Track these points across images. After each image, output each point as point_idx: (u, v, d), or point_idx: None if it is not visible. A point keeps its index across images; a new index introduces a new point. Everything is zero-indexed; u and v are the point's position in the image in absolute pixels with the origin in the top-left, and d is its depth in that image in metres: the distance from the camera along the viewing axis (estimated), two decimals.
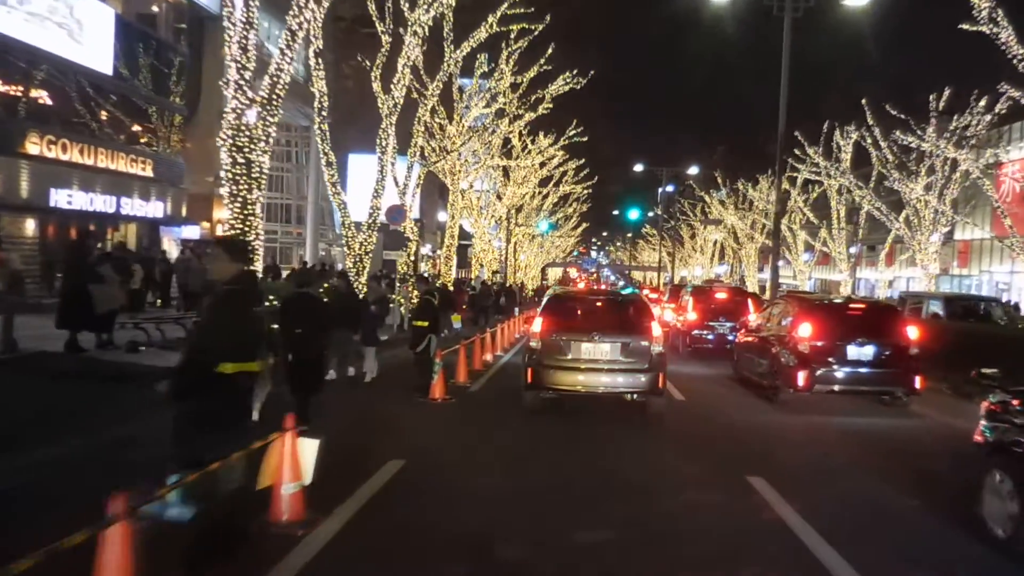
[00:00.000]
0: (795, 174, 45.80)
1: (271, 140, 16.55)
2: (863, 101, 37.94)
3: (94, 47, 23.99)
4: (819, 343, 12.91)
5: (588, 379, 10.69)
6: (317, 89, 23.02)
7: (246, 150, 15.81)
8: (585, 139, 40.15)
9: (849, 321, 13.29)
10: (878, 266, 59.05)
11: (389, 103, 23.79)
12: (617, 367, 10.62)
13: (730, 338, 20.10)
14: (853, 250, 48.78)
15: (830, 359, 12.82)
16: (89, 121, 26.35)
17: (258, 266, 16.22)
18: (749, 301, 20.81)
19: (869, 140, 38.51)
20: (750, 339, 15.49)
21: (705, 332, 20.41)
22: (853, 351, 12.88)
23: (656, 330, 11.00)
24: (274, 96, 16.09)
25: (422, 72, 28.26)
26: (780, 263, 65.18)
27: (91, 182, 24.08)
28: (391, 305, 23.33)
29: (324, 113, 23.10)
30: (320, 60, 22.92)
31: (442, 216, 40.02)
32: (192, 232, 30.48)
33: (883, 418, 12.93)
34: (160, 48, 28.81)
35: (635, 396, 10.92)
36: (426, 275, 19.08)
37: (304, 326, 9.54)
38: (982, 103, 33.78)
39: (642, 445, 10.10)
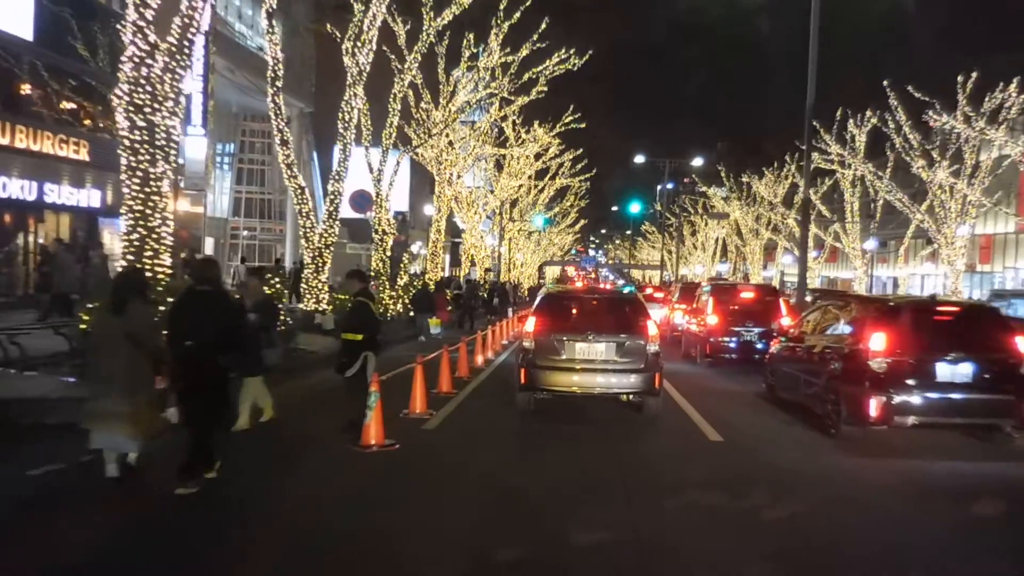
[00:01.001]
0: (813, 164, 42.08)
1: (182, 100, 12.92)
2: (885, 83, 34.47)
3: (10, 8, 20.34)
4: (899, 359, 9.29)
5: (583, 379, 10.30)
6: (271, 56, 19.45)
7: (147, 110, 12.21)
8: (583, 125, 36.51)
9: (938, 330, 9.67)
10: (890, 263, 55.48)
11: (354, 69, 20.14)
12: (612, 367, 10.28)
13: (758, 346, 16.54)
14: (868, 245, 45.12)
15: (914, 381, 9.22)
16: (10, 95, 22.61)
17: (166, 259, 12.59)
18: (780, 302, 17.16)
19: (892, 124, 34.85)
20: (792, 350, 11.86)
21: (728, 339, 16.76)
22: (944, 370, 9.27)
23: (651, 329, 10.58)
24: (185, 42, 12.47)
25: (401, 41, 24.67)
26: (787, 260, 61.85)
27: (5, 164, 20.42)
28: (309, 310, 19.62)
29: (279, 84, 19.49)
30: (273, 22, 19.36)
31: (430, 210, 36.37)
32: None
33: (991, 462, 9.30)
34: (96, 12, 24.92)
35: (631, 396, 10.62)
36: (365, 271, 15.25)
37: (198, 336, 6.92)
38: (1013, 85, 30.38)
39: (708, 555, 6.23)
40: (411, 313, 23.59)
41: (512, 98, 33.34)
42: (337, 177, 20.10)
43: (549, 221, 56.60)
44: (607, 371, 10.29)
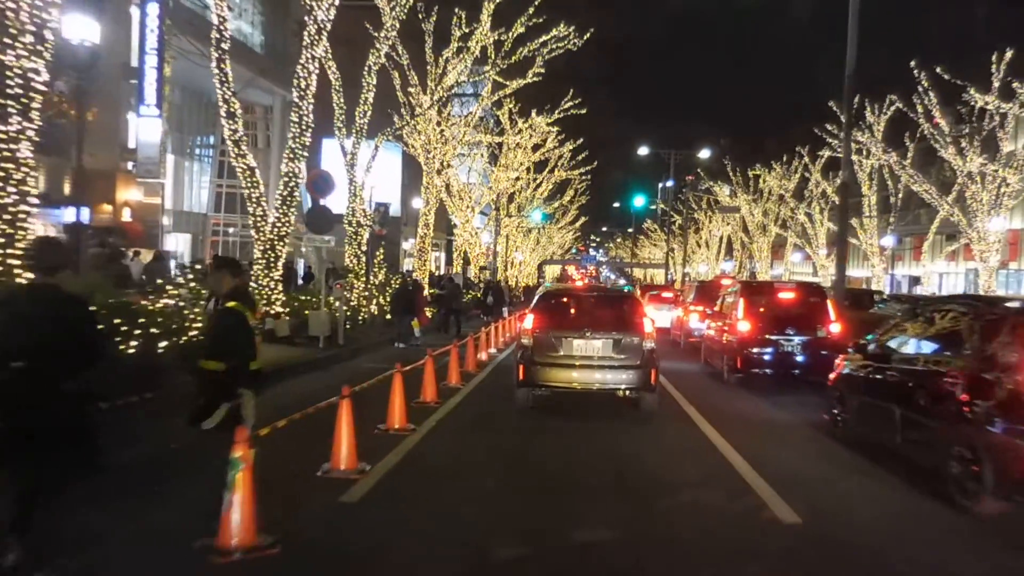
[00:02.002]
0: (822, 153, 38.59)
1: (48, 36, 9.45)
2: (912, 64, 31.03)
3: None
4: None
5: (580, 375, 10.21)
6: (216, 15, 16.10)
7: None
8: (584, 111, 33.02)
9: None
10: (905, 260, 51.93)
11: (312, 27, 16.64)
12: (609, 363, 10.19)
13: (800, 359, 13.04)
14: (886, 241, 41.56)
15: None
16: None
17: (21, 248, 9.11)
18: (828, 305, 13.60)
19: (920, 109, 31.31)
20: (878, 373, 8.31)
21: (764, 350, 13.22)
22: None
23: (647, 326, 10.43)
24: None
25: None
26: (797, 257, 58.27)
27: None
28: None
29: (225, 46, 16.09)
30: None
31: (418, 203, 32.93)
32: (79, 216, 23.07)
33: None
34: None
35: (628, 392, 10.39)
36: (239, 261, 11.59)
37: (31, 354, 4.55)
38: None
39: None
40: (388, 316, 20.09)
41: (506, 82, 29.95)
42: (292, 155, 16.61)
43: (547, 216, 52.97)
44: (604, 367, 10.19)
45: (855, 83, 16.84)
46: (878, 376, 8.17)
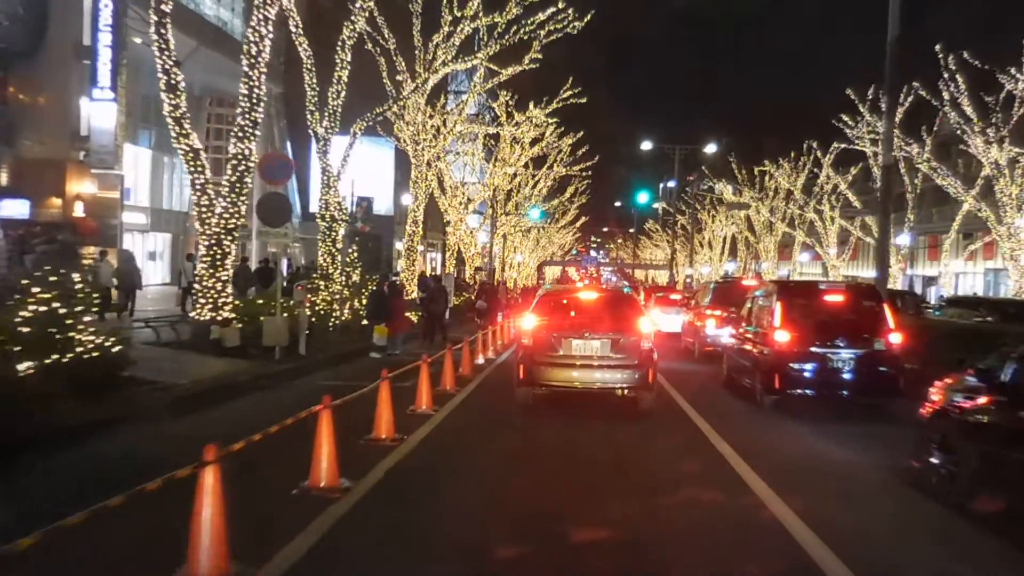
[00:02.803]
0: (840, 145, 35.86)
1: None
2: (937, 48, 28.39)
3: None
4: None
5: (580, 375, 10.24)
6: None
7: None
8: (583, 100, 30.33)
9: None
10: (919, 260, 49.23)
11: None
12: (608, 363, 10.19)
13: (850, 377, 10.37)
14: (902, 240, 38.75)
15: None
16: None
17: None
18: (885, 311, 10.89)
19: (946, 96, 28.61)
20: None
21: (807, 366, 10.51)
22: None
23: (645, 327, 10.55)
24: None
25: None
26: (805, 257, 55.52)
27: None
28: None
29: (166, 7, 13.46)
30: None
31: (407, 200, 30.33)
32: (19, 208, 20.36)
33: None
34: None
35: (626, 391, 10.40)
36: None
37: None
38: None
39: None
40: (364, 322, 17.41)
41: (500, 69, 27.34)
42: (243, 134, 13.94)
43: (545, 214, 50.21)
44: (603, 367, 10.20)
45: (901, 47, 14.18)
46: None
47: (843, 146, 35.58)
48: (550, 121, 33.00)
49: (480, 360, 16.67)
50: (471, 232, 40.40)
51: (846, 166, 41.67)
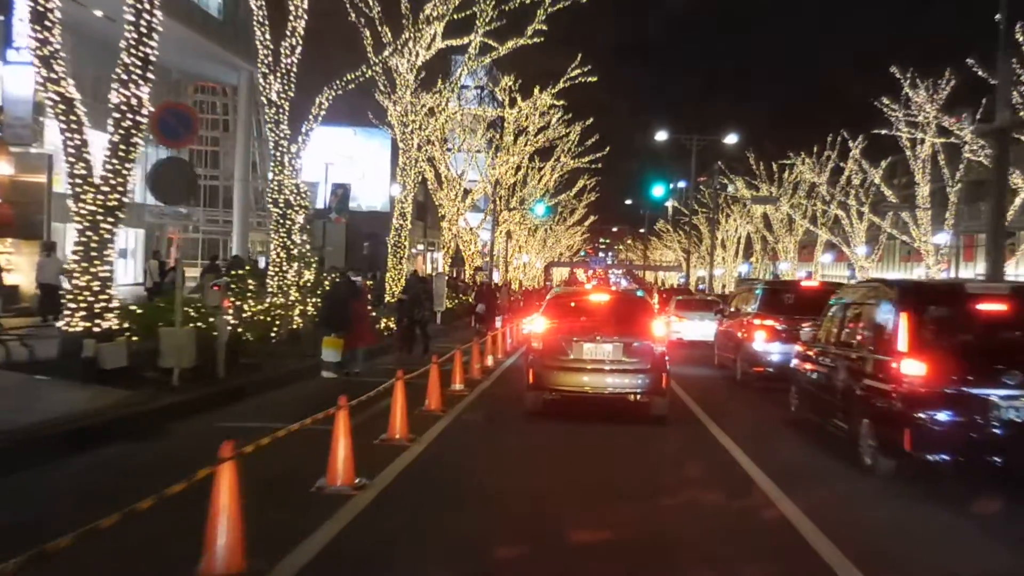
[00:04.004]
0: (881, 131, 31.65)
1: None
2: (997, 18, 24.25)
3: None
4: None
5: (591, 379, 9.75)
6: None
7: None
8: (594, 79, 26.33)
9: None
10: (954, 262, 44.88)
11: None
12: (620, 367, 9.70)
13: None
14: (940, 239, 34.46)
15: None
16: None
17: None
18: None
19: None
20: None
21: (959, 418, 6.40)
22: None
23: (658, 330, 10.11)
24: None
25: None
26: (827, 258, 51.22)
27: None
28: None
29: None
30: None
31: (395, 191, 26.32)
32: None
33: None
34: None
35: (638, 396, 9.80)
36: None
37: None
38: None
39: None
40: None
41: (496, 46, 23.50)
42: (127, 76, 9.99)
43: (551, 210, 46.04)
44: (615, 371, 9.71)
45: None
46: None
47: (883, 131, 31.34)
48: (557, 103, 28.94)
49: (478, 371, 12.74)
50: (471, 229, 36.37)
51: (874, 159, 37.55)
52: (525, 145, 33.44)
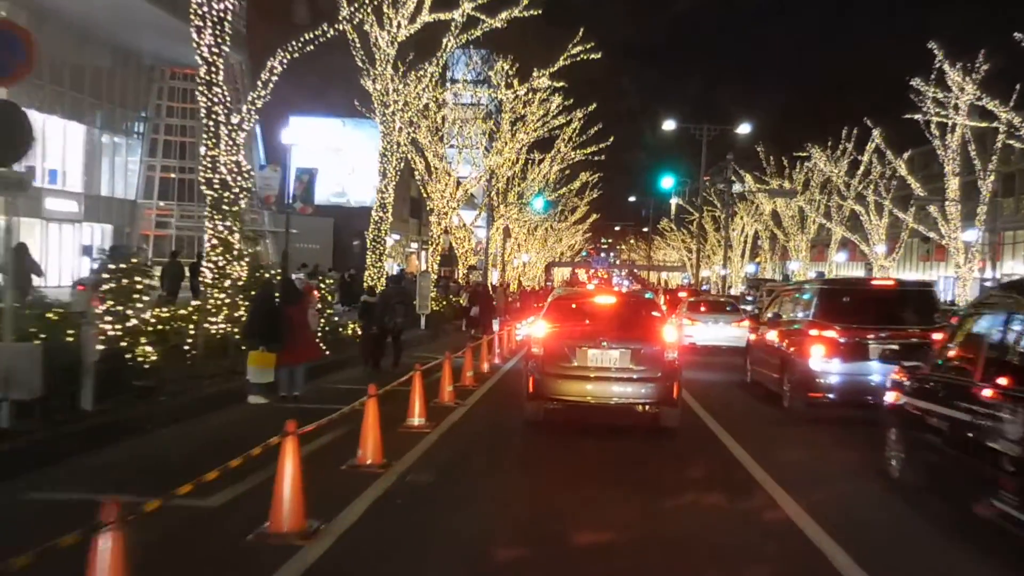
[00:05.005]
0: (914, 115, 28.52)
1: None
2: None
3: None
4: None
5: (596, 388, 8.83)
6: None
7: None
8: (598, 55, 23.22)
9: None
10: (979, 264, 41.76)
11: None
12: (627, 375, 8.80)
13: None
14: (969, 236, 31.29)
15: None
16: None
17: None
18: None
19: None
20: None
21: None
22: None
23: (669, 335, 9.13)
24: None
25: None
26: (841, 257, 48.06)
27: None
28: None
29: None
30: None
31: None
32: None
33: None
34: None
35: (647, 407, 8.90)
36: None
37: None
38: None
39: None
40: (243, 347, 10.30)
41: (485, 19, 20.52)
42: None
43: (551, 204, 42.95)
44: (622, 380, 8.79)
45: None
46: None
47: (912, 116, 28.24)
48: (557, 84, 25.86)
49: (474, 385, 9.75)
50: (464, 226, 33.30)
51: (896, 151, 34.45)
52: (524, 134, 30.38)
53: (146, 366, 8.85)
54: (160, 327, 9.81)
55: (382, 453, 6.69)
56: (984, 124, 26.66)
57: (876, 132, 32.87)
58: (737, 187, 48.81)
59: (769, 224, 50.75)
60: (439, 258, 28.40)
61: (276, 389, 9.76)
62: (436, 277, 26.46)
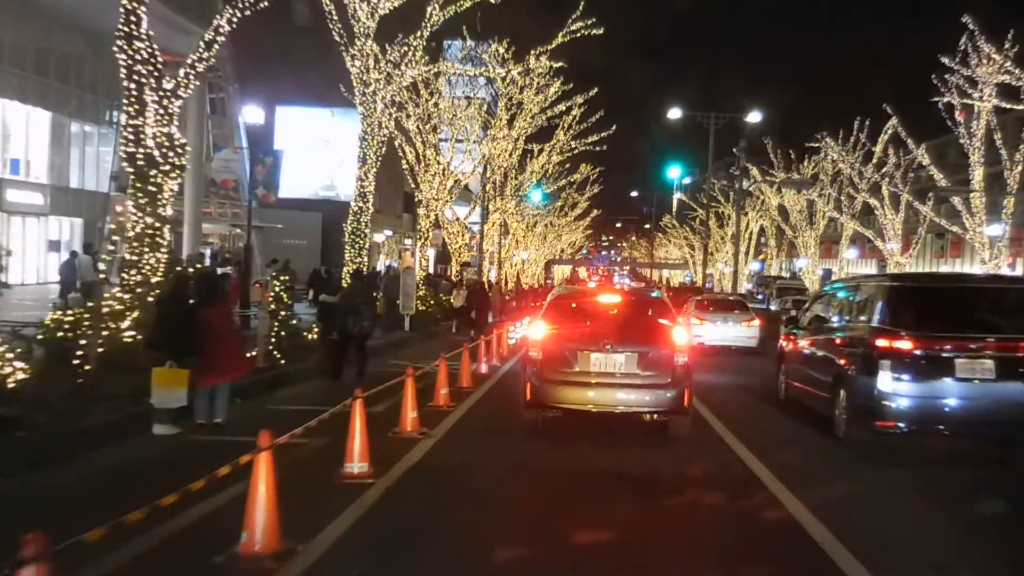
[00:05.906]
0: (944, 98, 26.15)
1: None
2: None
3: None
4: None
5: (599, 396, 8.11)
6: None
7: None
8: (600, 31, 20.89)
9: None
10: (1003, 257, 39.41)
11: None
12: (633, 381, 8.06)
13: None
14: (993, 230, 28.91)
15: None
16: None
17: None
18: None
19: None
20: None
21: None
22: None
23: (680, 337, 8.25)
24: None
25: None
26: (852, 254, 45.59)
27: None
28: None
29: None
30: None
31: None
32: None
33: None
34: None
35: (655, 416, 8.23)
36: None
37: None
38: None
39: None
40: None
41: None
42: None
43: (549, 196, 40.65)
44: (627, 386, 8.06)
45: None
46: None
47: (935, 100, 25.93)
48: (555, 65, 23.61)
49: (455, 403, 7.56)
50: (458, 220, 31.02)
51: (914, 142, 32.14)
52: (522, 121, 28.12)
53: (10, 385, 6.64)
54: (42, 336, 7.55)
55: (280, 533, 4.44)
56: (981, 124, 24.51)
57: (893, 120, 30.51)
58: (745, 183, 46.61)
59: (776, 219, 48.38)
60: (433, 254, 26.15)
61: (191, 414, 7.53)
62: (426, 274, 24.22)
